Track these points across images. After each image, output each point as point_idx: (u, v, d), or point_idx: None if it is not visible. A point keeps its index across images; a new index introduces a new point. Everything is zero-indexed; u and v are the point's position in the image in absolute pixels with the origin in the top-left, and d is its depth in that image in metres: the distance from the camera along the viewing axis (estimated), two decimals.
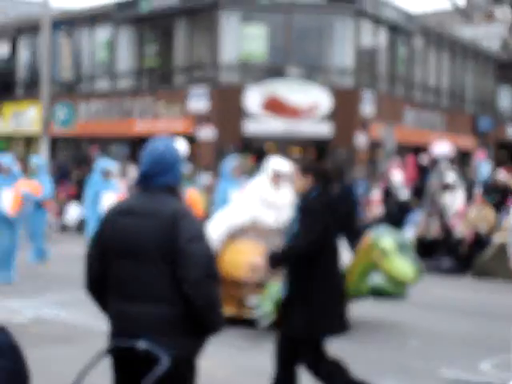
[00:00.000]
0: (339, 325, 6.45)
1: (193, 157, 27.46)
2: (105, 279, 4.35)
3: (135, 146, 29.06)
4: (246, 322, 10.12)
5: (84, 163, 28.85)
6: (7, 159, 14.53)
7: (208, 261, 4.19)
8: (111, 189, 14.89)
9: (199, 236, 4.22)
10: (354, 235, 12.61)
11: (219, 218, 11.10)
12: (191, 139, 27.47)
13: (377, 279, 10.60)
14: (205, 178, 21.80)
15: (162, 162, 4.35)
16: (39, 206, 16.33)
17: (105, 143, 31.50)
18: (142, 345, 4.10)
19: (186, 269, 4.12)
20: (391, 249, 9.73)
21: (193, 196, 15.14)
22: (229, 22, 27.90)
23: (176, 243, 4.14)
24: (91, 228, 14.56)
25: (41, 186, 16.31)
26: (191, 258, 4.13)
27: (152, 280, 4.16)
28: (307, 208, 6.45)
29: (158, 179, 4.34)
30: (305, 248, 6.29)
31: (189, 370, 4.28)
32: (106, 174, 14.80)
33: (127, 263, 4.22)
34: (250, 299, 9.99)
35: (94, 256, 4.38)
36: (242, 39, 27.87)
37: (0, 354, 2.64)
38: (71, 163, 30.47)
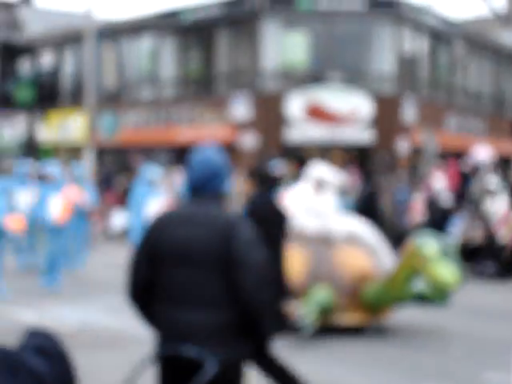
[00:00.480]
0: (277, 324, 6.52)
1: (234, 164, 27.60)
2: (150, 286, 4.35)
3: (179, 154, 29.23)
4: (288, 330, 10.15)
5: (128, 171, 29.09)
6: (52, 167, 14.71)
7: (264, 267, 4.25)
8: (156, 196, 15.00)
9: (255, 243, 4.25)
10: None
11: None
12: (233, 147, 27.60)
13: (420, 285, 10.59)
14: (243, 186, 21.86)
15: (214, 170, 4.38)
16: (82, 213, 16.59)
17: (149, 151, 31.73)
18: (188, 351, 4.13)
19: (243, 275, 4.15)
20: (434, 254, 9.72)
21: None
22: (270, 29, 27.97)
23: (231, 250, 4.17)
24: (135, 235, 14.69)
25: (85, 193, 16.55)
26: (248, 264, 4.17)
27: (206, 287, 4.18)
28: (253, 212, 6.53)
29: (210, 187, 4.38)
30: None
31: (238, 376, 4.29)
32: (150, 182, 14.91)
33: (180, 270, 4.24)
34: (292, 306, 10.02)
35: (141, 263, 4.37)
36: (284, 46, 27.91)
37: (48, 361, 2.65)
38: (116, 171, 30.73)
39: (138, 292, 4.42)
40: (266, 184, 6.76)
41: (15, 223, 13.44)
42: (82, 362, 5.98)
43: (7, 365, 2.51)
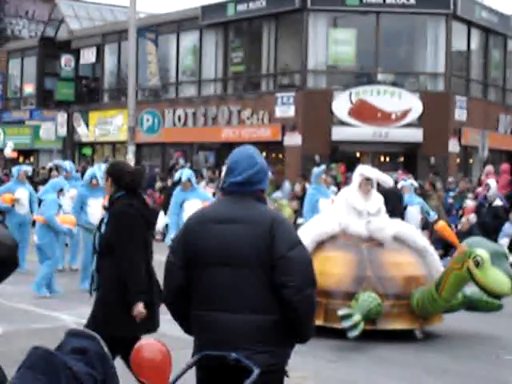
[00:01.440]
0: (143, 325, 6.41)
1: (280, 164, 27.41)
2: (187, 289, 4.26)
3: (221, 152, 29.07)
4: (333, 333, 9.90)
5: (171, 171, 28.80)
6: (93, 172, 14.51)
7: (309, 267, 4.17)
8: (194, 197, 14.65)
9: (299, 242, 4.18)
10: None
11: (308, 226, 10.95)
12: (278, 146, 27.36)
13: (471, 290, 10.33)
14: (289, 186, 21.66)
15: (260, 170, 4.30)
16: None
17: (190, 150, 31.60)
18: (231, 355, 4.03)
19: (289, 275, 4.05)
20: (485, 259, 9.43)
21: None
22: (316, 25, 27.66)
23: (275, 250, 4.07)
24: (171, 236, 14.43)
25: None
26: (294, 264, 4.07)
27: (248, 288, 4.10)
28: (113, 212, 6.45)
29: (252, 186, 4.28)
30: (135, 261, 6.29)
31: (280, 379, 4.22)
32: (185, 184, 14.53)
33: (221, 271, 4.14)
34: (338, 309, 9.77)
35: (178, 264, 4.28)
36: (330, 43, 27.59)
37: (89, 362, 2.69)
38: (159, 171, 30.60)
39: (175, 294, 4.35)
40: (122, 183, 6.51)
41: (66, 222, 13.41)
42: (122, 364, 5.85)
43: (49, 366, 2.62)
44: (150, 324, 6.54)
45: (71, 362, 2.68)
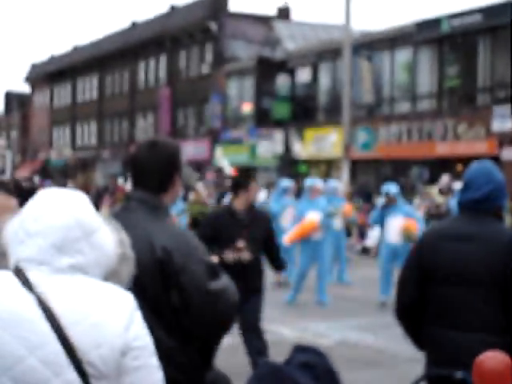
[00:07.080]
0: None
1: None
2: (418, 304, 4.27)
3: (436, 168, 28.74)
4: None
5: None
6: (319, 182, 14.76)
7: None
8: (399, 214, 14.30)
9: None
10: None
11: None
12: (495, 161, 26.71)
13: None
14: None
15: (497, 186, 4.24)
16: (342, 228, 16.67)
17: (405, 165, 31.45)
18: (458, 373, 3.98)
19: None
20: None
21: None
22: None
23: (511, 271, 4.02)
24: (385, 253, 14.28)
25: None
26: None
27: (484, 308, 4.06)
28: None
29: (491, 203, 4.24)
30: None
31: None
32: (389, 200, 14.25)
33: (455, 289, 4.13)
34: None
35: (410, 279, 4.31)
36: None
37: (316, 377, 2.66)
38: (373, 185, 30.69)
39: (404, 309, 4.37)
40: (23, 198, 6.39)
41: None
42: (342, 379, 5.93)
43: (276, 381, 2.58)
44: None
45: (299, 378, 2.65)
